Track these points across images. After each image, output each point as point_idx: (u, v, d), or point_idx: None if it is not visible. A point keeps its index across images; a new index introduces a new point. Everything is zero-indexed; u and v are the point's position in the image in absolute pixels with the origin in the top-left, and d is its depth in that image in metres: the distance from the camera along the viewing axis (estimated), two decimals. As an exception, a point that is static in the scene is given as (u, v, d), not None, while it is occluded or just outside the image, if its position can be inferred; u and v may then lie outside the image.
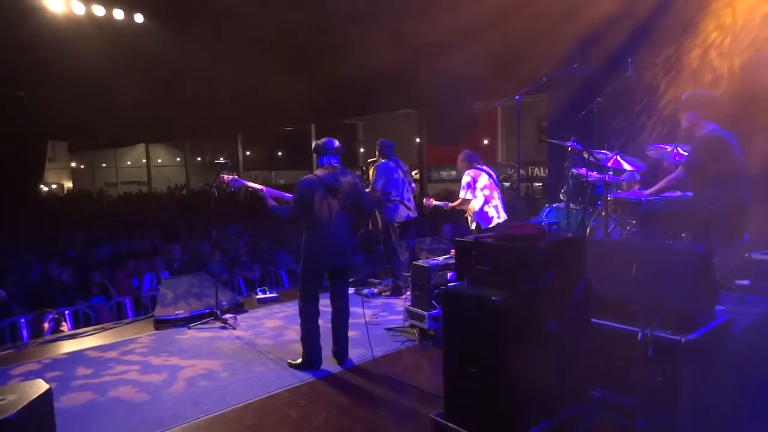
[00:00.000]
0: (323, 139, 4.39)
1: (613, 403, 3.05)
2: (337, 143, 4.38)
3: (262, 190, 4.72)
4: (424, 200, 6.60)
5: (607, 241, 4.64)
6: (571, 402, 2.85)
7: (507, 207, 6.11)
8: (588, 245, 3.11)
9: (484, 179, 5.98)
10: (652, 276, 3.16)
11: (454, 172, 22.80)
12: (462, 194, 6.00)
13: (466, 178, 6.00)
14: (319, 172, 4.28)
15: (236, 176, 5.09)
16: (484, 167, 6.16)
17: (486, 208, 5.91)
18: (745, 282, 4.78)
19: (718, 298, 3.46)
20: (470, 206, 5.98)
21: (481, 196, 5.92)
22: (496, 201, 5.98)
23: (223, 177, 5.06)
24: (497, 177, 6.32)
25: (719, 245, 4.24)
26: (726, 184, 4.22)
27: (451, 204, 6.22)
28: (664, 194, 4.70)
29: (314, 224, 4.20)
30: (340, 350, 4.35)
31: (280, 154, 32.62)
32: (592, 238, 5.16)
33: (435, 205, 6.46)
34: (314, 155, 4.41)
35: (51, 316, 5.88)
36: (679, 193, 4.85)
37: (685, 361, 2.89)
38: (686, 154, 4.57)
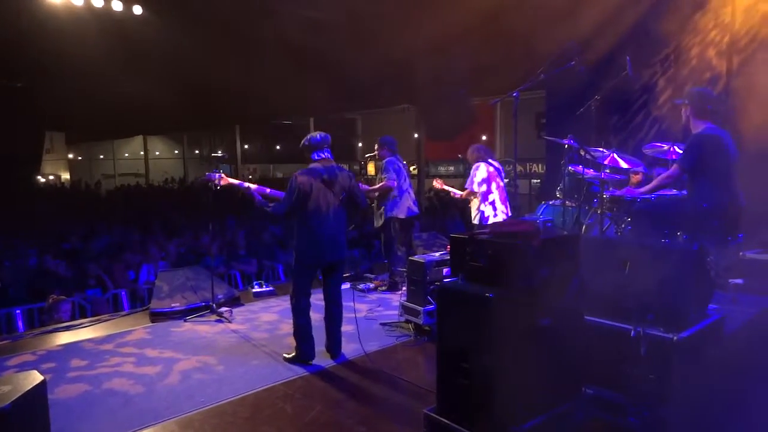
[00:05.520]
0: (315, 133, 4.33)
1: (605, 400, 3.07)
2: (325, 135, 4.33)
3: (248, 188, 4.57)
4: (434, 181, 6.60)
5: (601, 238, 4.65)
6: (563, 398, 2.87)
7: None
8: (583, 243, 3.13)
9: (495, 175, 6.05)
10: (646, 274, 3.17)
11: (452, 168, 22.83)
12: (471, 186, 6.06)
13: (480, 172, 6.03)
14: (313, 166, 4.24)
15: (222, 173, 4.95)
16: (495, 163, 6.19)
17: (497, 203, 5.98)
18: (739, 281, 4.79)
19: (711, 296, 3.48)
20: (476, 199, 6.03)
21: (495, 190, 5.99)
22: (498, 197, 6.07)
23: (207, 174, 4.95)
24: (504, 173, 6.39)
25: (714, 244, 4.26)
26: (719, 183, 4.23)
27: (459, 193, 6.25)
28: (660, 193, 4.71)
29: (309, 218, 4.15)
30: (334, 345, 4.36)
31: (278, 147, 32.60)
32: (587, 235, 5.17)
33: (443, 188, 6.47)
34: (306, 151, 4.30)
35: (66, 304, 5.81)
36: (674, 191, 4.86)
37: (677, 359, 2.91)
38: (682, 152, 4.59)
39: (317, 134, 4.32)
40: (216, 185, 4.90)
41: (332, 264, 4.33)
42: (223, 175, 4.95)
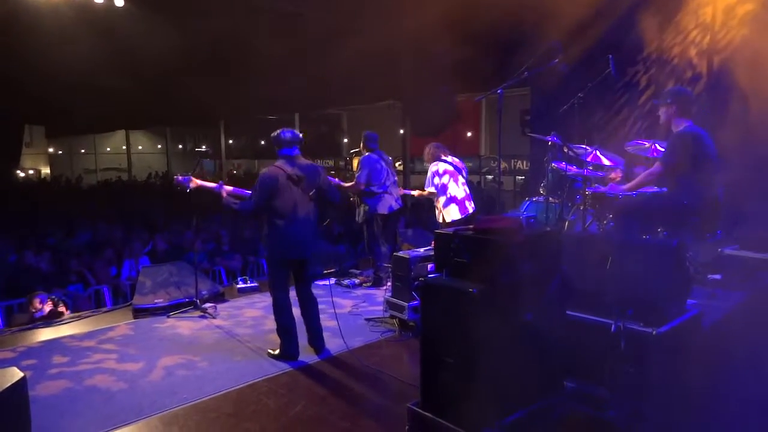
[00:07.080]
0: (280, 130, 4.32)
1: (586, 394, 3.12)
2: (296, 133, 4.33)
3: (220, 187, 4.58)
4: None
5: (583, 235, 4.71)
6: (545, 392, 2.91)
7: (488, 199, 6.18)
8: (565, 239, 3.17)
9: (453, 172, 6.06)
10: (626, 270, 3.22)
11: (437, 164, 22.84)
12: (428, 185, 6.08)
13: (437, 171, 6.06)
14: (280, 163, 4.24)
15: (191, 176, 4.94)
16: (452, 160, 6.21)
17: (459, 200, 6.00)
18: (717, 276, 4.88)
19: (690, 292, 3.54)
20: (440, 198, 6.04)
21: (454, 187, 6.01)
22: (459, 194, 6.08)
23: (177, 178, 4.95)
24: (467, 170, 6.41)
25: (693, 240, 4.33)
26: (699, 180, 4.30)
27: (417, 192, 6.29)
28: (641, 189, 4.78)
29: (277, 216, 4.15)
30: (315, 339, 4.37)
31: (263, 143, 32.36)
32: (570, 232, 5.23)
33: (402, 193, 6.55)
34: (275, 146, 4.31)
35: (46, 298, 5.71)
36: (655, 188, 4.93)
37: (656, 353, 2.97)
38: (663, 150, 4.65)
39: (287, 131, 4.31)
40: (187, 188, 4.88)
41: (302, 261, 4.33)
42: (192, 178, 4.93)
